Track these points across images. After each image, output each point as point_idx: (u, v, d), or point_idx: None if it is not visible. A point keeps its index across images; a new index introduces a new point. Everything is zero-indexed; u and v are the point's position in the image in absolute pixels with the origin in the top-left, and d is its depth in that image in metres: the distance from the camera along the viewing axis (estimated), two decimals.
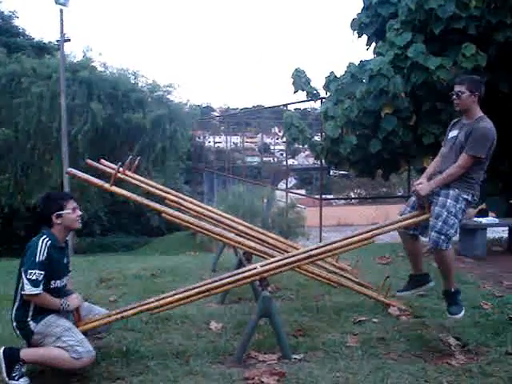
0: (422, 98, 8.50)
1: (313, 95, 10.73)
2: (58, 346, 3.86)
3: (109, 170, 5.25)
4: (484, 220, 8.75)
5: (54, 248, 3.99)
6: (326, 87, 10.06)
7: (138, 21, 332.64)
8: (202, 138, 41.44)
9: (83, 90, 25.54)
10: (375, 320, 5.26)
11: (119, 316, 4.29)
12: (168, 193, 5.52)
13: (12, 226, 26.52)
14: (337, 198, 36.21)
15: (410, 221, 4.76)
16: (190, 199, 5.72)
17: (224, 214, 5.78)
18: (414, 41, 8.25)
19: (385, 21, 9.31)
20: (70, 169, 4.96)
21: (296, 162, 48.07)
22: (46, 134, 25.47)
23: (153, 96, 27.96)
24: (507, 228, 9.52)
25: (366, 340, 4.73)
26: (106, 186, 5.00)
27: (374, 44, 9.83)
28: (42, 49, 32.24)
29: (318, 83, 10.92)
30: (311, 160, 30.21)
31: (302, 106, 45.52)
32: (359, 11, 10.10)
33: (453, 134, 4.75)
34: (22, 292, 3.88)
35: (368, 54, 10.54)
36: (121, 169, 5.14)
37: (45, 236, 3.99)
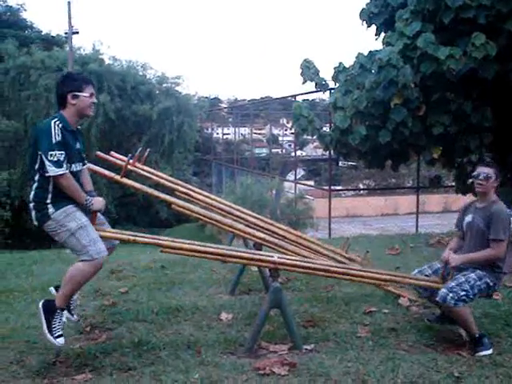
0: (432, 88, 8.45)
1: (321, 86, 10.69)
2: (70, 244, 3.91)
3: (119, 161, 5.27)
4: None
5: (66, 130, 3.96)
6: (335, 78, 10.02)
7: (146, 12, 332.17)
8: (210, 129, 41.40)
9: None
10: (385, 310, 5.27)
11: (132, 238, 4.27)
12: (177, 184, 5.53)
13: (22, 218, 26.62)
14: (346, 189, 36.20)
15: (430, 284, 4.66)
16: (199, 190, 5.74)
17: (233, 205, 5.79)
18: (424, 31, 8.19)
19: (394, 10, 9.24)
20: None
21: (304, 154, 48.00)
22: None
23: (161, 88, 27.97)
24: None
25: (377, 330, 4.74)
26: (117, 177, 5.03)
27: (383, 34, 9.77)
28: (50, 41, 32.30)
29: (326, 74, 10.92)
30: (320, 151, 30.18)
31: (310, 97, 45.34)
32: (368, 1, 10.05)
33: (468, 218, 4.71)
34: (47, 174, 3.84)
35: (377, 44, 10.50)
36: (131, 161, 5.16)
37: (56, 119, 3.96)
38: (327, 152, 13.49)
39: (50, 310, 3.97)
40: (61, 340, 3.93)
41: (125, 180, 5.05)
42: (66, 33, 25.75)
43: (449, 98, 8.39)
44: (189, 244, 4.36)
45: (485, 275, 4.48)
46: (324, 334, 4.65)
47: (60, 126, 3.90)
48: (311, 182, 34.72)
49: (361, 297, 5.71)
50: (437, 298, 4.40)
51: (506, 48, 8.02)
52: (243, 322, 5.00)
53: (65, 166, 3.85)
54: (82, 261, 3.89)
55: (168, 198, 5.17)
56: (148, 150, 5.82)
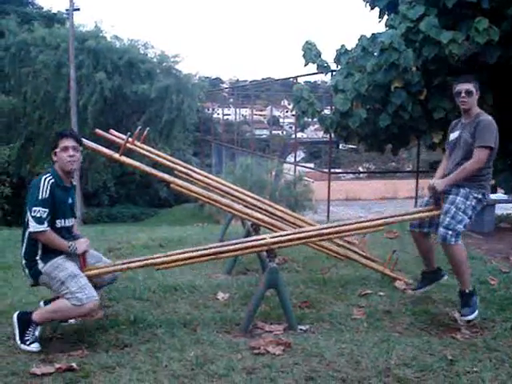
0: (434, 72, 8.41)
1: (323, 68, 10.64)
2: (62, 292, 3.93)
3: (118, 140, 5.26)
4: (493, 196, 8.73)
5: (58, 187, 4.00)
6: (337, 60, 9.97)
7: None
8: (210, 110, 41.27)
9: (90, 59, 25.45)
10: (381, 293, 5.29)
11: (125, 266, 4.32)
12: (177, 164, 5.54)
13: (21, 195, 26.65)
14: (345, 172, 36.13)
15: (423, 214, 4.77)
16: (199, 170, 5.74)
17: (232, 186, 5.80)
18: (427, 14, 8.13)
19: None
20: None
21: (305, 136, 47.91)
22: (53, 104, 25.44)
23: (162, 67, 27.84)
24: None
25: (372, 313, 4.77)
26: (116, 155, 5.02)
27: (386, 17, 9.71)
28: (51, 19, 32.08)
29: (328, 56, 10.87)
30: (320, 133, 30.10)
31: (312, 78, 45.16)
32: None
33: (454, 135, 4.80)
34: (28, 230, 3.93)
35: (380, 27, 10.42)
36: (130, 139, 5.15)
37: (48, 174, 4.02)
38: (328, 134, 13.44)
39: (26, 321, 4.00)
40: (35, 345, 3.95)
41: (123, 158, 5.05)
42: (67, 10, 25.54)
43: (450, 82, 8.35)
44: (181, 254, 4.37)
45: (470, 191, 4.58)
46: (319, 315, 4.68)
47: (51, 182, 3.96)
48: (311, 165, 34.65)
49: (357, 279, 5.73)
50: (437, 239, 4.55)
51: (509, 33, 7.97)
52: (239, 301, 5.03)
53: (46, 223, 3.89)
54: (73, 304, 3.90)
55: (167, 177, 5.17)
56: (148, 129, 5.81)
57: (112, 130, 5.43)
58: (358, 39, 9.20)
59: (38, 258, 4.00)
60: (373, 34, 8.94)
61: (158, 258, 4.38)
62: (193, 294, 5.27)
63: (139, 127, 5.66)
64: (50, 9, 35.34)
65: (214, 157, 36.05)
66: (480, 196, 4.61)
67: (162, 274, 5.85)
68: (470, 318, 4.52)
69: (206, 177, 5.65)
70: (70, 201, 4.16)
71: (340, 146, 30.15)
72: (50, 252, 4.00)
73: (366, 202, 28.54)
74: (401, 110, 8.49)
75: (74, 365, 3.62)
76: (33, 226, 3.88)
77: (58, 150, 4.05)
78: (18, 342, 3.96)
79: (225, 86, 61.34)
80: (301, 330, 4.37)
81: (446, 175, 4.76)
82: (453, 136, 4.82)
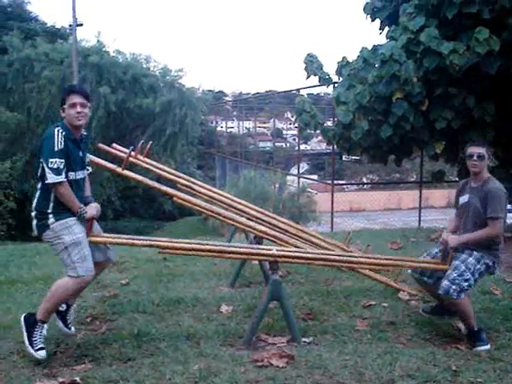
0: (435, 82, 8.43)
1: (325, 80, 10.67)
2: (62, 257, 3.98)
3: (121, 154, 5.29)
4: None
5: (69, 139, 4.02)
6: (339, 72, 10.00)
7: (150, 5, 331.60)
8: (214, 123, 41.36)
9: (93, 74, 25.59)
10: (385, 304, 5.29)
11: (130, 241, 4.35)
12: (179, 177, 5.55)
13: (25, 210, 26.68)
14: (349, 183, 36.13)
15: (430, 266, 4.74)
16: (201, 183, 5.76)
17: (235, 199, 5.81)
18: (427, 25, 8.16)
19: (398, 5, 9.22)
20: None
21: (309, 147, 47.93)
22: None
23: (165, 81, 27.93)
24: None
25: (376, 324, 4.77)
26: (118, 169, 5.05)
27: (387, 28, 9.75)
28: (54, 34, 32.22)
29: (330, 68, 10.93)
30: (324, 145, 30.13)
31: (315, 90, 45.26)
32: None
33: (464, 198, 4.79)
34: (46, 181, 3.92)
35: (381, 39, 10.47)
36: (132, 153, 5.18)
37: (59, 127, 4.04)
38: (331, 146, 13.45)
39: (31, 323, 4.02)
40: (42, 353, 3.96)
41: (126, 172, 5.08)
42: (70, 25, 25.69)
43: (452, 92, 8.37)
44: (186, 243, 4.38)
45: (482, 256, 4.55)
46: (323, 327, 4.68)
47: (63, 133, 3.98)
48: (315, 176, 34.66)
49: (360, 291, 5.72)
50: (439, 291, 4.44)
51: (510, 43, 7.99)
52: (243, 314, 5.03)
53: (63, 174, 3.92)
54: (69, 276, 3.95)
55: (170, 190, 5.19)
56: (150, 142, 5.83)
57: (115, 144, 5.46)
58: (360, 51, 9.23)
59: (49, 211, 3.99)
60: (374, 45, 8.98)
61: (164, 241, 4.39)
62: (196, 306, 5.27)
63: (141, 141, 5.69)
64: (54, 24, 35.41)
65: (218, 169, 36.06)
66: (490, 263, 4.59)
67: (165, 288, 5.87)
68: (485, 348, 4.38)
69: (208, 190, 5.67)
70: (80, 153, 4.16)
71: (343, 158, 30.12)
72: (63, 208, 4.00)
73: (371, 213, 28.52)
74: (402, 121, 8.49)
75: (77, 379, 3.63)
76: (51, 177, 3.88)
77: (65, 106, 4.08)
78: (27, 345, 3.95)
79: (228, 98, 61.52)
80: (304, 342, 4.37)
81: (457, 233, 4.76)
82: (462, 200, 4.81)
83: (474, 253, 4.55)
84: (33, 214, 4.08)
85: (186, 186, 5.49)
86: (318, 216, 18.35)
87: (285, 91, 28.49)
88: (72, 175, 4.05)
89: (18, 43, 26.06)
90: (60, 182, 3.90)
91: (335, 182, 16.72)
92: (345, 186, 33.69)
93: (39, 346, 3.96)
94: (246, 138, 40.77)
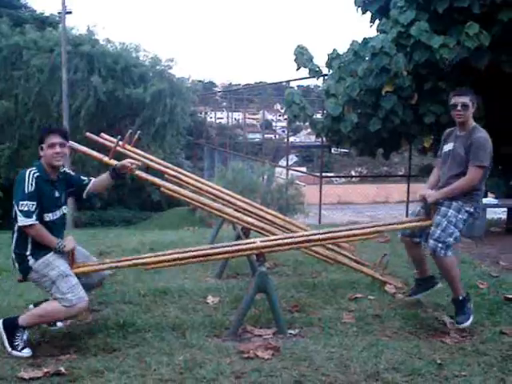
0: (424, 76, 8.45)
1: (315, 72, 10.67)
2: (52, 292, 3.92)
3: (108, 143, 5.26)
4: (484, 201, 8.75)
5: (42, 180, 3.98)
6: (329, 64, 10.01)
7: None
8: (203, 113, 41.23)
9: (84, 63, 25.44)
10: (371, 297, 5.29)
11: (114, 265, 4.32)
12: (167, 167, 5.53)
13: (11, 198, 26.48)
14: (337, 176, 36.22)
15: (414, 224, 4.77)
16: (189, 174, 5.74)
17: (223, 190, 5.81)
18: (418, 19, 8.17)
19: None
20: (71, 142, 4.87)
21: (298, 140, 47.92)
22: (46, 107, 25.40)
23: (154, 70, 27.82)
24: (506, 209, 9.53)
25: (362, 317, 4.77)
26: (105, 159, 5.02)
27: (377, 21, 9.75)
28: (43, 22, 31.99)
29: (320, 60, 10.90)
30: (313, 137, 30.15)
31: (305, 83, 45.22)
32: None
33: (448, 146, 4.77)
34: (17, 224, 3.91)
35: (372, 32, 10.47)
36: (120, 142, 5.15)
37: (33, 168, 4.01)
38: (320, 139, 13.46)
39: (12, 327, 3.97)
40: (27, 350, 3.92)
41: (113, 161, 5.04)
42: (59, 12, 25.51)
43: (441, 87, 8.39)
44: (171, 254, 4.36)
45: (462, 205, 4.57)
46: (309, 320, 4.68)
47: (35, 175, 3.95)
48: (303, 169, 34.69)
49: (347, 283, 5.72)
50: (427, 250, 4.54)
51: (499, 38, 8.02)
52: (229, 305, 5.02)
53: (34, 216, 3.88)
54: (63, 305, 3.89)
55: (157, 180, 5.17)
56: (139, 132, 5.80)
57: (103, 134, 5.43)
58: (350, 44, 9.24)
59: (28, 253, 3.97)
60: (364, 38, 8.98)
61: (147, 257, 4.37)
62: (182, 297, 5.25)
63: (130, 131, 5.66)
64: (43, 12, 35.12)
65: (207, 160, 36.00)
66: (472, 210, 4.60)
67: (151, 278, 5.84)
68: (465, 324, 4.47)
69: (196, 180, 5.65)
70: (56, 194, 4.12)
71: (332, 150, 30.21)
72: (41, 248, 3.97)
73: (358, 206, 28.60)
74: (391, 115, 8.51)
75: (62, 369, 3.61)
76: (21, 220, 3.86)
77: (44, 145, 4.05)
78: (9, 349, 3.91)
79: (218, 89, 61.30)
80: (290, 334, 4.37)
81: (437, 185, 4.76)
82: (446, 147, 4.79)
83: (453, 203, 4.55)
84: (13, 257, 4.05)
85: (174, 177, 5.47)
86: (305, 208, 18.37)
87: (275, 83, 28.52)
88: (48, 216, 4.02)
89: (6, 30, 25.88)
90: (30, 225, 3.87)
91: (324, 174, 16.76)
92: (333, 179, 33.76)
93: (22, 346, 3.93)
94: (236, 130, 40.72)
